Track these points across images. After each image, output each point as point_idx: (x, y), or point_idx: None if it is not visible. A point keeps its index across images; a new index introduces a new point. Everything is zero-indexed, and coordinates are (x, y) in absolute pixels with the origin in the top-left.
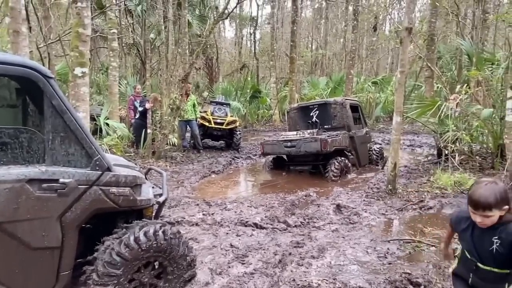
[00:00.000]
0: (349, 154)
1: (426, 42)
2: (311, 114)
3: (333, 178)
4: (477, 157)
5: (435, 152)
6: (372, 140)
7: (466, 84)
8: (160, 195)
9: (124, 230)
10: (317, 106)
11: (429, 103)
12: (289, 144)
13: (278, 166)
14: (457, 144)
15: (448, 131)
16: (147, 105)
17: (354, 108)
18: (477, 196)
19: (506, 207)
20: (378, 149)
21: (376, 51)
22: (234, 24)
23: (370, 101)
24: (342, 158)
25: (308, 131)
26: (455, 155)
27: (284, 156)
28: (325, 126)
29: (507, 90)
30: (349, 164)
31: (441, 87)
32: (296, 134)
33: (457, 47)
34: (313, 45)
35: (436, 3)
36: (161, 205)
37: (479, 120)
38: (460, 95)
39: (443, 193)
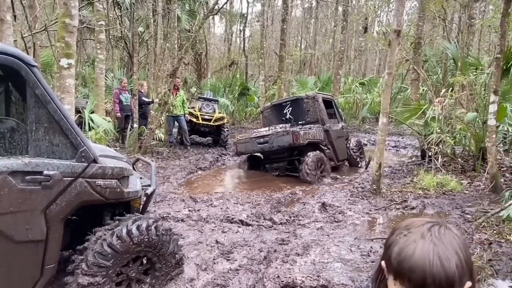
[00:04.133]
0: (325, 148)
1: (413, 45)
2: (285, 111)
3: (308, 172)
4: (459, 159)
5: (419, 154)
6: (356, 138)
7: (451, 88)
8: (148, 186)
9: (117, 222)
10: (290, 102)
11: (416, 106)
12: (261, 140)
13: (255, 166)
14: (441, 146)
15: (432, 133)
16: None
17: (328, 103)
18: (428, 266)
19: (469, 284)
20: (355, 144)
21: (364, 52)
22: (224, 21)
23: (357, 101)
24: (318, 151)
25: (280, 125)
26: (438, 157)
27: (261, 155)
28: (299, 122)
29: (490, 94)
30: (325, 158)
31: (426, 90)
32: (268, 130)
33: (443, 51)
34: (302, 44)
35: (426, 6)
36: (149, 197)
37: (462, 124)
38: (445, 99)
39: (425, 193)
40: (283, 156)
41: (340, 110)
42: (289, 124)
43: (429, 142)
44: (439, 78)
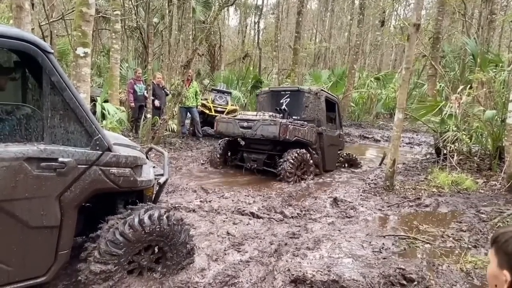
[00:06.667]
0: (313, 152)
1: (432, 40)
2: (282, 101)
3: (287, 171)
4: (475, 158)
5: (434, 151)
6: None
7: (469, 85)
8: (161, 175)
9: (130, 211)
10: (289, 93)
11: (432, 103)
12: (245, 124)
13: (232, 154)
14: (457, 144)
15: (448, 130)
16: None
17: (331, 105)
18: None
19: None
20: (346, 157)
21: (380, 47)
22: (239, 12)
23: (371, 97)
24: (303, 150)
25: (270, 113)
26: (453, 155)
27: (242, 141)
28: (294, 117)
29: (510, 92)
30: (311, 161)
31: (443, 86)
32: (256, 115)
33: (462, 46)
34: (317, 38)
35: (445, 0)
36: (161, 186)
37: (480, 122)
38: (462, 96)
39: (440, 191)
40: (265, 149)
41: (341, 117)
42: (281, 115)
43: (445, 139)
44: (456, 74)
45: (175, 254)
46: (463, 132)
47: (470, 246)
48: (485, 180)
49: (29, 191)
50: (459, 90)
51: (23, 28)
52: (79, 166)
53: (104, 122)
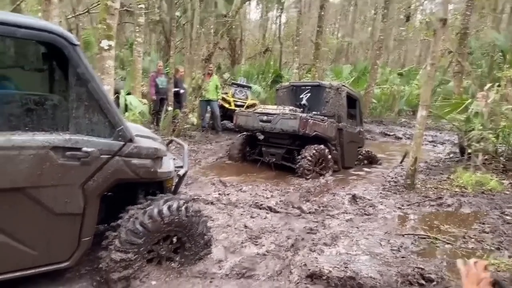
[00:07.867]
0: (333, 147)
1: (459, 36)
2: (302, 96)
3: (305, 168)
4: (501, 158)
5: (458, 150)
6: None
7: (497, 83)
8: (181, 167)
9: (149, 201)
10: (309, 88)
11: (458, 101)
12: (265, 118)
13: (251, 149)
14: (482, 144)
15: (473, 129)
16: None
17: (352, 101)
18: None
19: None
20: (364, 155)
21: (404, 42)
22: (260, 6)
23: (394, 93)
24: (322, 146)
25: (290, 107)
26: (478, 155)
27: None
28: (314, 112)
29: None
30: (329, 157)
31: (470, 84)
32: (276, 109)
33: (491, 42)
34: (339, 32)
35: None
36: (181, 178)
37: (508, 120)
38: (489, 93)
39: (463, 192)
40: (284, 143)
41: (362, 113)
42: (301, 110)
43: (470, 138)
44: (484, 71)
45: (193, 244)
46: (489, 131)
47: (493, 248)
48: (511, 181)
49: (54, 179)
50: (486, 87)
51: (50, 20)
52: (102, 156)
53: (126, 114)
